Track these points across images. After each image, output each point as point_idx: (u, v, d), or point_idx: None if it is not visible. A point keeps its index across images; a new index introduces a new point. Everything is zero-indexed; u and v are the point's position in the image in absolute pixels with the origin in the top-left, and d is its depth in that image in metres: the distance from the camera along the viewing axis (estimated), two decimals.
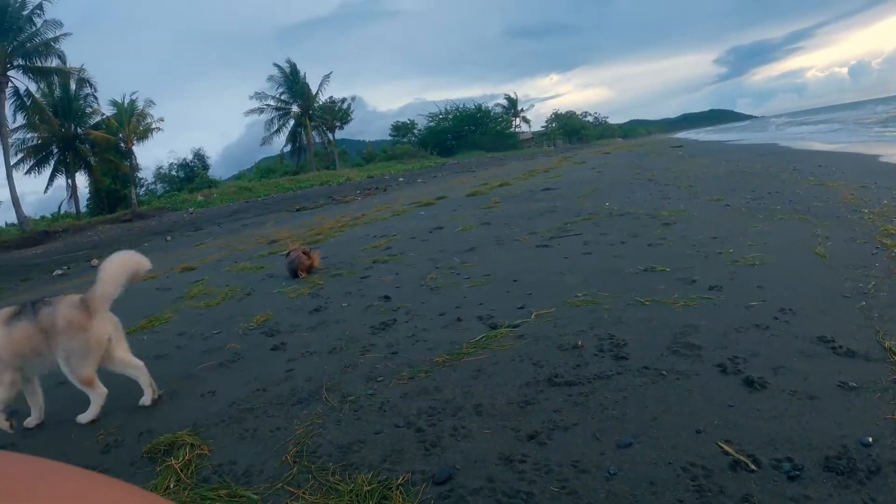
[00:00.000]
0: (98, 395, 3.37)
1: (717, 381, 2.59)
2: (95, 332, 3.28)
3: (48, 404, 3.65)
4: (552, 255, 5.97)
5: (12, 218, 43.50)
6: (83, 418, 3.35)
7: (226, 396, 3.38)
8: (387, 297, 5.12)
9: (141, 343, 5.07)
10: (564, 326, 3.59)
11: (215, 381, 3.72)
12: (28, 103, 42.05)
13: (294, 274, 6.77)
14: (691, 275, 4.39)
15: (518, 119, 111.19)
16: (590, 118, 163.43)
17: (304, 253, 6.90)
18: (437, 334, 3.86)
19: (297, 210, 23.94)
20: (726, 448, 2.06)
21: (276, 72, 66.75)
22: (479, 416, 2.57)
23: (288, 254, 7.04)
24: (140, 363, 3.52)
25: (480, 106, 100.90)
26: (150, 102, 49.87)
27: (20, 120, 43.16)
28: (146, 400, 3.47)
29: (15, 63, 40.08)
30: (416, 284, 5.50)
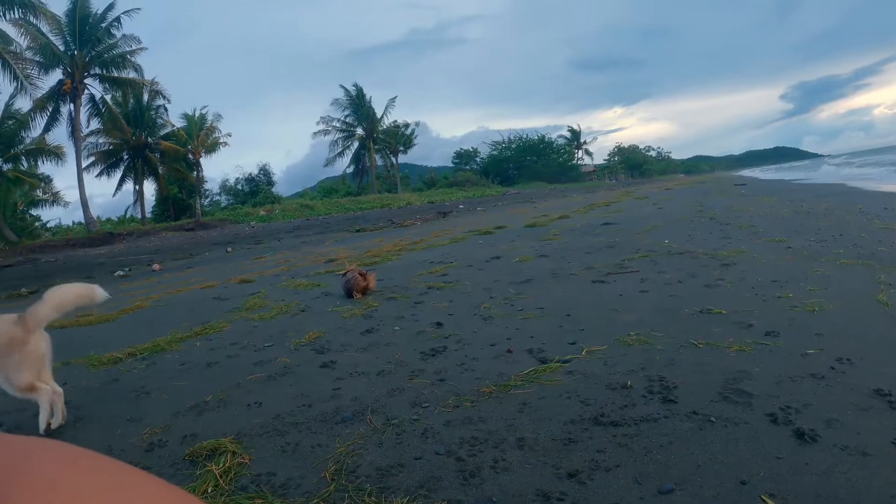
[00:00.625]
0: (44, 396, 3.43)
1: (766, 430, 2.53)
2: (33, 347, 3.40)
3: (101, 398, 3.79)
4: (608, 291, 5.92)
5: (80, 217, 45.31)
6: (40, 427, 3.43)
7: (271, 409, 3.44)
8: (439, 324, 5.14)
9: (194, 349, 5.23)
10: (615, 365, 3.55)
11: (263, 392, 3.79)
12: (102, 110, 43.85)
13: (349, 294, 6.85)
14: (748, 318, 4.30)
15: (580, 151, 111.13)
16: (653, 153, 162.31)
17: (360, 274, 6.98)
18: (486, 364, 3.86)
19: (357, 231, 24.18)
20: (770, 502, 2.01)
21: (342, 94, 68.15)
22: (520, 450, 2.56)
23: (344, 274, 7.13)
24: (59, 389, 3.58)
25: (543, 137, 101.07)
26: (218, 117, 51.45)
27: (94, 125, 45.06)
28: (55, 422, 3.54)
29: (92, 72, 41.88)
30: (469, 313, 5.50)
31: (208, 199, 59.95)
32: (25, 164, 43.58)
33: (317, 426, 3.09)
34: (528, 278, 7.03)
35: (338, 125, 68.47)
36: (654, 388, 3.09)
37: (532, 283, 6.76)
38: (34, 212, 50.56)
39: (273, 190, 63.59)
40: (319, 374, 4.06)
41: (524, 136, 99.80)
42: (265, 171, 65.01)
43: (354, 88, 68.17)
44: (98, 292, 3.71)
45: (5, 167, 41.74)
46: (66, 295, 3.62)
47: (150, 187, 51.57)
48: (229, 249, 21.78)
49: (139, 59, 43.51)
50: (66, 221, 52.11)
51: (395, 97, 72.87)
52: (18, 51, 35.06)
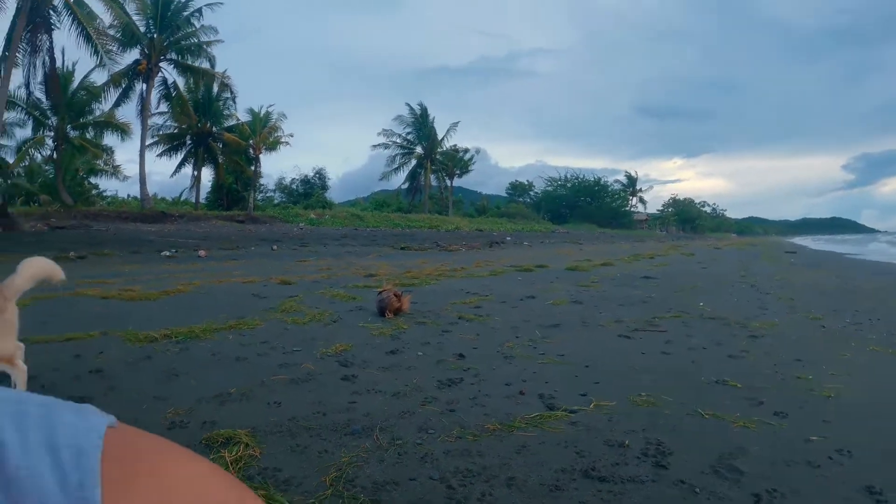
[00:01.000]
0: (21, 372, 3.53)
1: None
2: (9, 315, 3.60)
3: (133, 373, 4.05)
4: (631, 347, 5.99)
5: (135, 192, 46.85)
6: None
7: (289, 410, 3.66)
8: (461, 356, 5.30)
9: (226, 342, 5.49)
10: (618, 423, 3.66)
11: (283, 394, 4.02)
12: (173, 94, 45.26)
13: (382, 313, 7.06)
14: (760, 395, 4.33)
15: (635, 198, 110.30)
16: (707, 208, 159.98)
17: (395, 295, 7.19)
18: (496, 402, 4.00)
19: (402, 248, 24.43)
20: None
21: (405, 111, 68.97)
22: (508, 489, 2.70)
23: (380, 292, 7.34)
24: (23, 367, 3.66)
25: (599, 179, 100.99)
26: (283, 116, 52.51)
27: (163, 107, 46.52)
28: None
29: (168, 56, 43.32)
30: (492, 349, 5.64)
31: (263, 194, 61.08)
32: (91, 133, 45.26)
33: (327, 434, 3.28)
34: (557, 323, 7.14)
35: (398, 141, 69.28)
36: (650, 451, 3.18)
37: (560, 328, 6.86)
38: (93, 180, 52.35)
39: (326, 195, 64.53)
40: (339, 385, 4.26)
41: (580, 176, 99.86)
42: (321, 175, 66.11)
43: (419, 107, 68.95)
44: (59, 273, 3.89)
45: (72, 134, 43.39)
46: (40, 268, 3.82)
47: (207, 174, 52.81)
48: (275, 248, 22.18)
49: (214, 51, 44.81)
50: (122, 194, 53.77)
51: (457, 122, 73.82)
52: (102, 27, 36.35)
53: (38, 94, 37.49)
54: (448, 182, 74.56)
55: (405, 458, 3.00)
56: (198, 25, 43.62)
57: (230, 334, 5.80)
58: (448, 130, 70.41)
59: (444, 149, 71.08)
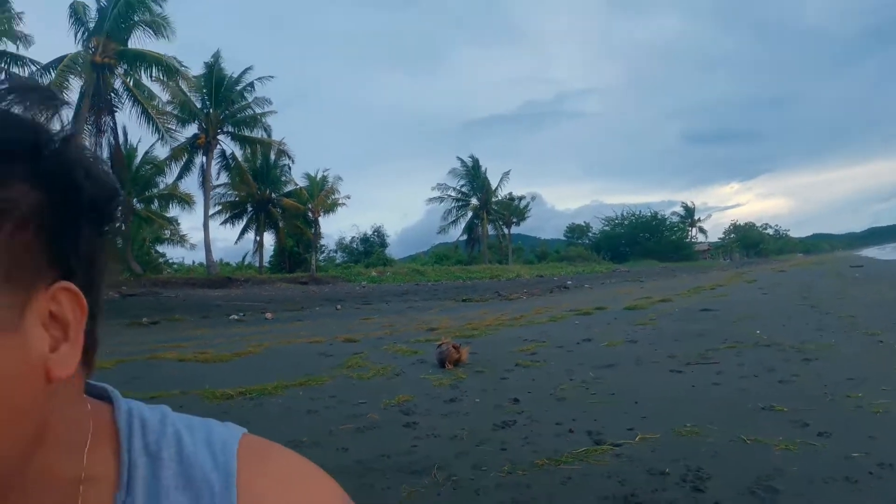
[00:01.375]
0: None
1: None
2: None
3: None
4: (682, 381, 6.15)
5: (201, 258, 48.42)
6: None
7: (355, 455, 4.05)
8: (516, 400, 5.56)
9: (296, 397, 5.90)
10: (662, 452, 3.88)
11: (350, 441, 4.41)
12: (232, 165, 46.95)
13: (442, 364, 7.37)
14: (806, 417, 4.45)
15: (694, 229, 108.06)
16: (770, 231, 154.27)
17: (454, 347, 7.51)
18: (546, 440, 4.28)
19: (463, 300, 24.30)
20: None
21: (458, 164, 69.51)
22: None
23: (440, 345, 7.68)
24: None
25: (656, 214, 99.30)
26: (338, 179, 53.67)
27: (223, 178, 48.24)
28: None
29: (225, 129, 45.11)
30: (546, 393, 5.88)
31: (324, 254, 62.12)
32: (157, 205, 47.26)
33: (391, 473, 3.64)
34: (611, 363, 7.31)
35: (453, 194, 69.64)
36: (689, 477, 3.39)
37: (613, 368, 7.04)
38: (159, 248, 54.30)
39: (386, 251, 65.30)
40: (402, 432, 4.61)
41: (637, 213, 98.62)
42: (379, 233, 66.98)
43: (471, 160, 69.35)
44: None
45: (138, 206, 45.39)
46: None
47: (269, 238, 54.11)
48: (339, 307, 22.50)
49: (269, 120, 46.41)
50: (188, 261, 55.31)
51: (508, 171, 73.18)
52: (161, 106, 38.19)
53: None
54: (506, 230, 74.47)
55: (460, 491, 3.32)
56: (250, 98, 45.39)
57: (300, 390, 6.21)
58: (501, 179, 70.53)
59: (499, 198, 71.13)
